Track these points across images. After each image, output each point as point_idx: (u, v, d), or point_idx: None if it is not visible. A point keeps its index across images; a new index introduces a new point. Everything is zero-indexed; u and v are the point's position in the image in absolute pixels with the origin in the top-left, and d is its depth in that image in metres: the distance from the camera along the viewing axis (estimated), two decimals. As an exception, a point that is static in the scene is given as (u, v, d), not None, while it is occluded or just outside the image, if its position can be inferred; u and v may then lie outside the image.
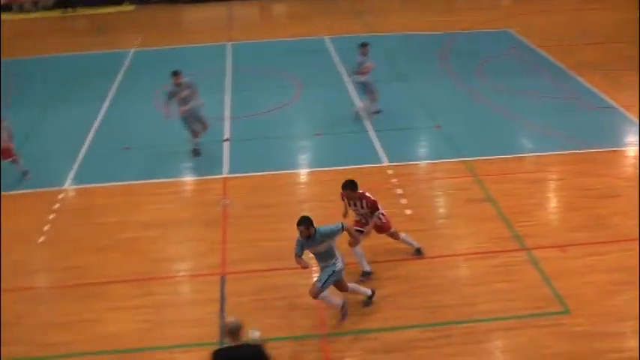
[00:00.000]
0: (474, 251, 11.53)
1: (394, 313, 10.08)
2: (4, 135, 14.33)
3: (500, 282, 10.68)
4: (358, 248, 10.76)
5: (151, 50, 23.73)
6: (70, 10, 30.51)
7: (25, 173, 14.77)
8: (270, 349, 9.05)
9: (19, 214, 13.54)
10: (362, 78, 16.36)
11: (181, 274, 11.32)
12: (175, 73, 14.82)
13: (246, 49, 23.16)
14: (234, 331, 7.00)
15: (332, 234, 9.46)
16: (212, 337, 9.67)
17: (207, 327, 9.93)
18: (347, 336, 9.69)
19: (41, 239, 12.58)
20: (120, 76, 21.12)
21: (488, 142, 15.57)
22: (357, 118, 16.88)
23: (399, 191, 13.47)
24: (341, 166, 14.53)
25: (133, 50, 23.67)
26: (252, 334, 7.61)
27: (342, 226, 9.54)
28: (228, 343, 7.15)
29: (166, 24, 27.77)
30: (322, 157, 15.27)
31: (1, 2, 30.47)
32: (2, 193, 14.20)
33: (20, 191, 14.39)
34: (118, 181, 14.47)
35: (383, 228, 11.04)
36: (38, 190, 14.38)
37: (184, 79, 14.93)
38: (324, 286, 9.58)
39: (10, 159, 14.61)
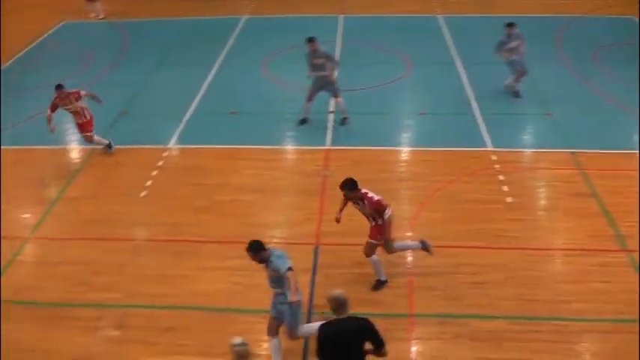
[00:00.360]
0: (572, 247, 11.21)
1: (484, 300, 9.98)
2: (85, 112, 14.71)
3: (596, 282, 10.35)
4: (375, 256, 10.17)
5: (262, 18, 23.99)
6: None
7: (109, 146, 14.96)
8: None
9: (125, 167, 14.26)
10: (509, 57, 16.08)
11: (275, 240, 11.50)
12: (311, 40, 14.91)
13: (358, 22, 23.07)
14: (340, 303, 6.91)
15: (278, 271, 8.49)
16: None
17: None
18: (434, 319, 9.68)
19: (143, 194, 13.15)
20: (230, 43, 21.48)
21: (599, 134, 14.95)
22: (507, 92, 16.75)
23: (501, 178, 13.21)
24: (443, 147, 14.39)
25: (244, 17, 24.01)
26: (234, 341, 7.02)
27: (287, 270, 8.41)
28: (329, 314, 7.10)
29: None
30: (425, 137, 15.11)
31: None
32: (115, 146, 14.97)
33: (127, 146, 15.01)
34: (221, 144, 14.84)
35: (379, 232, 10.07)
36: (144, 146, 15.00)
37: (320, 47, 15.02)
38: (298, 324, 8.90)
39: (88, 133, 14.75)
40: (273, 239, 11.55)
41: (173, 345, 9.47)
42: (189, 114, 16.41)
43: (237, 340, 6.93)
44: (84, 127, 14.60)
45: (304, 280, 10.41)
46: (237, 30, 22.70)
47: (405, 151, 14.62)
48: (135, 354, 9.38)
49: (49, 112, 14.16)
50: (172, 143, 15.06)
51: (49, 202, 13.32)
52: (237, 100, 17.03)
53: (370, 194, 9.98)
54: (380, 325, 7.20)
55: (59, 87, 14.11)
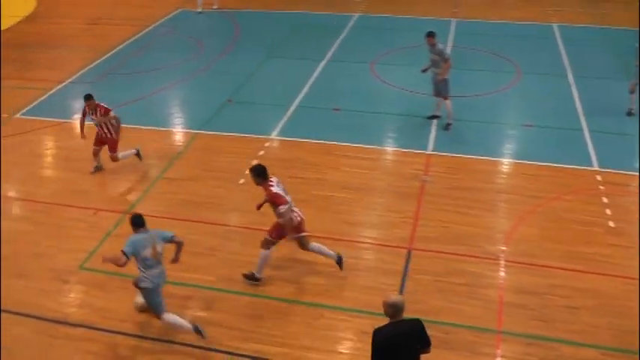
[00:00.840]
0: (677, 281, 10.76)
1: (577, 327, 9.67)
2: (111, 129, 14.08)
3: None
4: (266, 252, 10.34)
5: (374, 17, 24.08)
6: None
7: (138, 154, 14.43)
8: (442, 333, 9.23)
9: (226, 154, 14.64)
10: None
11: (369, 240, 11.57)
12: (429, 34, 14.88)
13: (470, 27, 22.82)
14: (397, 309, 6.88)
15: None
16: (386, 308, 9.87)
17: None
18: (521, 338, 9.46)
19: (241, 181, 13.44)
20: (340, 39, 21.68)
21: None
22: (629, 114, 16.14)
23: (605, 200, 12.81)
24: (546, 162, 14.07)
25: (356, 15, 24.15)
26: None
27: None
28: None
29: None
30: (528, 150, 14.78)
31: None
32: (217, 133, 15.41)
33: (230, 134, 15.39)
34: (322, 139, 15.00)
35: (292, 229, 10.10)
36: (247, 135, 15.34)
37: (439, 45, 15.01)
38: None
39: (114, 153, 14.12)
40: (366, 239, 11.62)
41: (257, 333, 9.65)
42: (293, 107, 16.67)
43: (394, 296, 7.07)
44: (109, 145, 14.04)
45: (394, 283, 10.45)
46: (348, 27, 22.88)
47: (506, 163, 14.37)
48: (218, 337, 9.59)
49: (81, 117, 14.20)
50: (274, 134, 15.34)
51: (149, 181, 13.84)
52: (341, 97, 17.16)
53: (273, 187, 9.92)
54: (465, 337, 7.20)
55: (88, 97, 13.88)
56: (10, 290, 10.76)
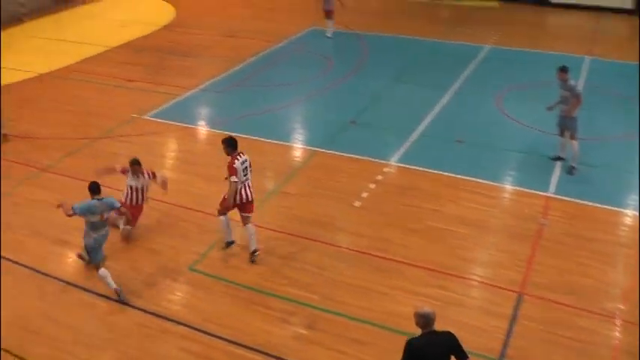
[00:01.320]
0: None
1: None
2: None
3: None
4: (223, 217, 11.75)
5: (505, 49, 23.62)
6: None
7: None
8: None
9: (344, 174, 14.66)
10: None
11: (478, 278, 11.23)
12: (562, 69, 14.44)
13: (604, 67, 21.96)
14: (428, 320, 7.15)
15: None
16: (491, 350, 9.54)
17: (489, 339, 9.79)
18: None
19: (357, 204, 13.41)
20: (468, 69, 21.36)
21: None
22: None
23: None
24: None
25: (487, 46, 23.79)
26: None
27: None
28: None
29: (526, 25, 27.30)
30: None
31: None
32: (337, 152, 15.50)
33: (350, 155, 15.40)
34: (442, 170, 14.70)
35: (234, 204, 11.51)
36: (366, 158, 15.28)
37: (571, 81, 14.55)
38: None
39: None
40: (476, 277, 11.28)
41: (357, 358, 9.52)
42: (415, 134, 16.50)
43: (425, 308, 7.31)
44: (134, 214, 12.43)
45: (500, 326, 10.07)
46: (478, 58, 22.54)
47: (631, 215, 13.48)
48: (318, 357, 9.56)
49: (118, 167, 12.79)
50: (394, 160, 15.21)
51: (265, 193, 14.00)
52: (465, 129, 16.84)
53: (236, 162, 11.23)
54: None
55: (135, 163, 12.49)
56: (124, 283, 11.11)
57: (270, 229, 12.62)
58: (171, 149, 16.70)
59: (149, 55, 24.21)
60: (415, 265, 11.40)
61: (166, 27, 28.40)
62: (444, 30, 26.02)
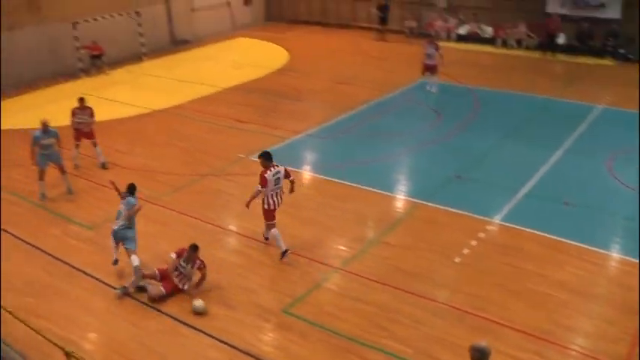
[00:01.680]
0: None
1: None
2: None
3: None
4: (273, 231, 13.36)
5: (619, 110, 22.99)
6: (549, 53, 31.22)
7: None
8: None
9: (446, 229, 14.61)
10: None
11: (578, 348, 10.87)
12: None
13: None
14: (484, 352, 7.63)
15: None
16: None
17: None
18: None
19: (457, 259, 13.33)
20: (580, 129, 20.92)
21: None
22: None
23: None
24: None
25: (600, 107, 23.26)
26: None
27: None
28: None
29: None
30: None
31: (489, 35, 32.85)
32: (440, 206, 15.49)
33: (453, 209, 15.34)
34: (547, 231, 14.38)
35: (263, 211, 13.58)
36: (469, 214, 15.16)
37: None
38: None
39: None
40: (577, 347, 10.92)
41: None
42: (521, 193, 16.24)
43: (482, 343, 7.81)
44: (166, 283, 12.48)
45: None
46: (590, 118, 22.04)
47: None
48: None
49: (174, 257, 12.44)
50: (498, 218, 15.01)
51: (366, 242, 14.13)
52: (573, 191, 16.41)
53: (268, 171, 13.19)
54: None
55: (194, 248, 12.28)
56: (214, 318, 11.42)
57: (369, 279, 12.69)
58: (275, 191, 17.07)
59: (260, 97, 24.96)
60: (512, 328, 11.17)
61: (279, 71, 29.27)
62: (556, 87, 25.66)
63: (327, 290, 12.49)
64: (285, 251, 13.29)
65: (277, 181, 13.27)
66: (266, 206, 13.40)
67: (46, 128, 16.16)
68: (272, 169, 13.22)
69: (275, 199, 13.38)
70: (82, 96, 19.09)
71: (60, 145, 16.56)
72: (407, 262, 13.27)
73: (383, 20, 35.50)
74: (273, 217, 13.50)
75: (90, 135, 18.55)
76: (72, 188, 16.96)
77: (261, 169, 13.31)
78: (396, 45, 33.70)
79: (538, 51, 31.72)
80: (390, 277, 12.76)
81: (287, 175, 13.56)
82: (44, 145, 16.24)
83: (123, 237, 12.70)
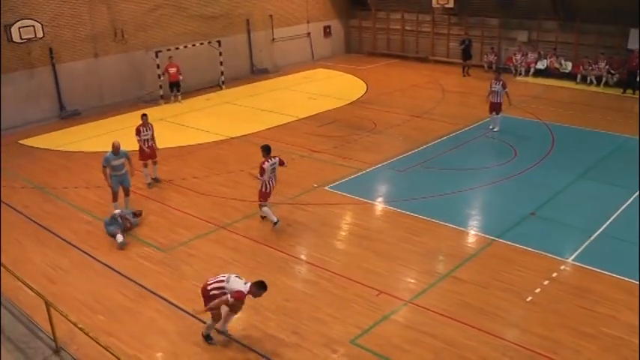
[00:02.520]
0: None
1: None
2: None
3: None
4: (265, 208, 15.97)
5: None
6: (630, 91, 30.48)
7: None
8: None
9: (519, 267, 14.34)
10: None
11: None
12: None
13: None
14: None
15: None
16: None
17: None
18: None
19: (529, 298, 13.05)
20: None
21: None
22: None
23: None
24: None
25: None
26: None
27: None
28: None
29: None
30: None
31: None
32: (513, 244, 15.32)
33: (527, 248, 15.08)
34: (622, 274, 13.91)
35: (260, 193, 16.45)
36: (543, 252, 14.86)
37: None
38: None
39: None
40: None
41: None
42: (597, 233, 15.81)
43: None
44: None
45: None
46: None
47: None
48: None
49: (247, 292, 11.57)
50: (572, 258, 14.65)
51: (436, 276, 14.02)
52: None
53: (266, 163, 16.07)
54: None
55: (263, 287, 11.50)
56: (283, 345, 11.51)
57: (438, 313, 12.57)
58: (347, 222, 17.14)
59: (336, 128, 25.18)
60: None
61: (355, 102, 29.52)
62: (635, 125, 24.98)
63: (395, 323, 12.42)
64: (277, 222, 16.23)
65: (273, 170, 16.32)
66: (263, 189, 16.36)
67: (117, 150, 16.84)
68: (269, 160, 16.17)
69: (271, 183, 16.37)
70: (144, 112, 20.06)
71: (131, 165, 17.38)
72: (477, 299, 13.08)
73: (466, 54, 35.28)
74: (267, 199, 16.49)
75: (153, 154, 19.55)
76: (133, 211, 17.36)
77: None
78: (474, 80, 33.54)
79: (618, 88, 31.04)
80: (459, 312, 12.60)
81: (281, 163, 16.54)
82: (115, 166, 16.96)
83: None
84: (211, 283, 11.43)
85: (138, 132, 19.15)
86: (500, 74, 24.92)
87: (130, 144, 18.97)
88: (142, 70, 30.63)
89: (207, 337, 11.90)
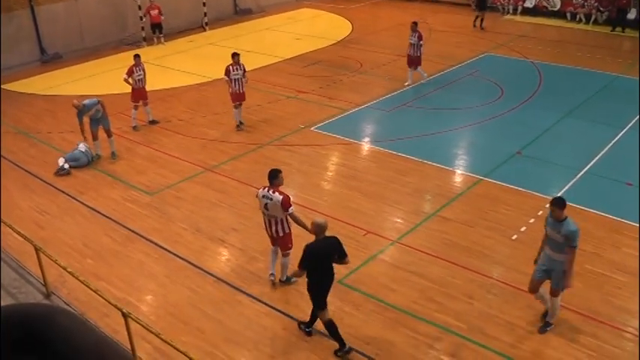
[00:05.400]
0: None
1: None
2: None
3: None
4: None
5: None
6: (619, 29, 30.45)
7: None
8: None
9: (505, 206, 14.52)
10: None
11: (634, 331, 10.73)
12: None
13: None
14: (322, 227, 9.92)
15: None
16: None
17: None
18: None
19: (514, 237, 13.26)
20: (645, 108, 20.46)
21: None
22: None
23: None
24: None
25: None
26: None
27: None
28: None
29: None
30: None
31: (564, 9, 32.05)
32: (499, 182, 15.46)
33: (512, 186, 15.25)
34: (606, 212, 14.15)
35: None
36: (529, 191, 15.05)
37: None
38: None
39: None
40: (631, 328, 10.80)
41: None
42: (582, 172, 15.99)
43: (319, 219, 10.24)
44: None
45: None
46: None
47: None
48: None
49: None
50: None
51: (423, 215, 14.18)
52: (636, 171, 16.10)
53: (229, 71, 18.76)
54: None
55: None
56: (269, 286, 11.70)
57: (424, 252, 12.76)
58: (333, 162, 17.22)
59: (321, 68, 25.06)
60: (568, 309, 11.06)
61: (341, 42, 29.28)
62: (624, 64, 25.06)
63: (383, 262, 12.61)
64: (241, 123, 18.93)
65: (237, 74, 18.58)
66: (231, 90, 18.75)
67: (80, 107, 16.89)
68: (234, 68, 18.59)
69: (237, 85, 18.63)
70: (137, 53, 19.89)
71: (104, 108, 17.26)
72: (463, 238, 13.27)
73: (481, 3, 31.77)
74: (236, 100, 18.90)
75: (144, 95, 19.54)
76: (116, 152, 17.58)
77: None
78: (461, 17, 33.31)
79: (607, 26, 30.98)
80: (445, 251, 12.81)
81: (244, 70, 18.82)
82: (91, 114, 17.14)
83: None
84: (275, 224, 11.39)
85: (130, 72, 18.97)
86: (416, 25, 22.57)
87: (112, 87, 18.82)
88: (123, 12, 30.19)
89: (287, 279, 12.00)
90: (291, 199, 11.44)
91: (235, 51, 19.21)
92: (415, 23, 22.54)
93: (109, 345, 1.74)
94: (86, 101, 16.97)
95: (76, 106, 16.78)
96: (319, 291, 10.17)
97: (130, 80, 18.97)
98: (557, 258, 10.30)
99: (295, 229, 11.53)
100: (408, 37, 22.64)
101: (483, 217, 14.05)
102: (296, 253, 10.58)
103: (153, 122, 19.89)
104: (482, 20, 31.48)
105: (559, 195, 14.15)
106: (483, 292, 11.59)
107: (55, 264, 11.32)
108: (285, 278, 11.96)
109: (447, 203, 14.68)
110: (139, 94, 19.36)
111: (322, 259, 9.95)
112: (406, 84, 22.71)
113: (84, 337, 1.72)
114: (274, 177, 11.40)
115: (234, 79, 18.68)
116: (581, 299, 11.35)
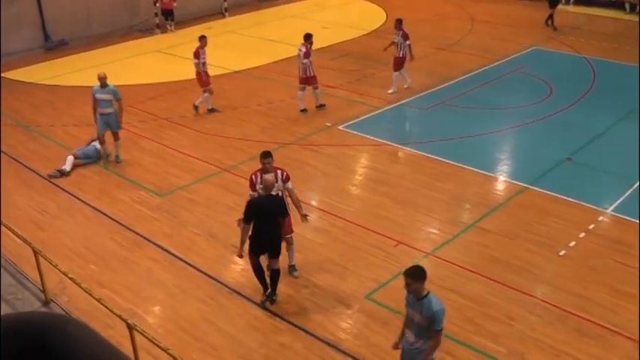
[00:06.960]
0: None
1: None
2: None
3: None
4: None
5: None
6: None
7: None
8: None
9: (553, 218, 14.36)
10: None
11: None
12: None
13: None
14: (268, 185, 11.13)
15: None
16: None
17: None
18: None
19: (562, 252, 13.13)
20: None
21: None
22: None
23: None
24: None
25: None
26: None
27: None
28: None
29: None
30: None
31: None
32: (546, 192, 15.32)
33: (561, 196, 15.11)
34: (667, 227, 14.04)
35: None
36: (579, 202, 14.89)
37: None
38: None
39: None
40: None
41: None
42: (638, 182, 15.82)
43: (268, 176, 11.37)
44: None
45: None
46: None
47: None
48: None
49: None
50: (611, 208, 14.68)
51: (461, 226, 14.11)
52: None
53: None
54: None
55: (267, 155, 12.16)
56: (290, 301, 11.75)
57: (460, 266, 12.69)
58: (362, 165, 17.23)
59: (352, 61, 25.07)
60: (622, 335, 10.91)
61: (373, 33, 29.27)
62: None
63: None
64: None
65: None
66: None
67: (102, 81, 16.59)
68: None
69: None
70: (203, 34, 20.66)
71: (120, 106, 17.03)
72: (504, 252, 13.17)
73: None
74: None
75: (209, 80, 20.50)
76: (121, 158, 17.53)
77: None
78: (505, 7, 33.18)
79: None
80: (484, 266, 12.71)
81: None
82: (100, 100, 16.73)
83: None
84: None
85: (197, 55, 19.73)
86: (401, 22, 21.70)
87: (122, 77, 18.93)
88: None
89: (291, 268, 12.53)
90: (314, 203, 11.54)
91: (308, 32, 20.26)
92: (400, 20, 21.67)
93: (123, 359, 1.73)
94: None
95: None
96: (260, 240, 11.24)
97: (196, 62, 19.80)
98: (418, 346, 8.66)
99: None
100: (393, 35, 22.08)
101: (527, 230, 13.93)
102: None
103: (212, 110, 20.51)
104: (552, 18, 29.48)
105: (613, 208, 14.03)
106: (524, 313, 11.47)
107: (55, 269, 11.40)
108: (293, 262, 12.50)
109: (488, 213, 14.58)
110: (205, 79, 20.13)
111: (266, 214, 11.07)
112: (405, 86, 22.17)
113: (96, 351, 1.71)
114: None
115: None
116: (637, 324, 11.21)
